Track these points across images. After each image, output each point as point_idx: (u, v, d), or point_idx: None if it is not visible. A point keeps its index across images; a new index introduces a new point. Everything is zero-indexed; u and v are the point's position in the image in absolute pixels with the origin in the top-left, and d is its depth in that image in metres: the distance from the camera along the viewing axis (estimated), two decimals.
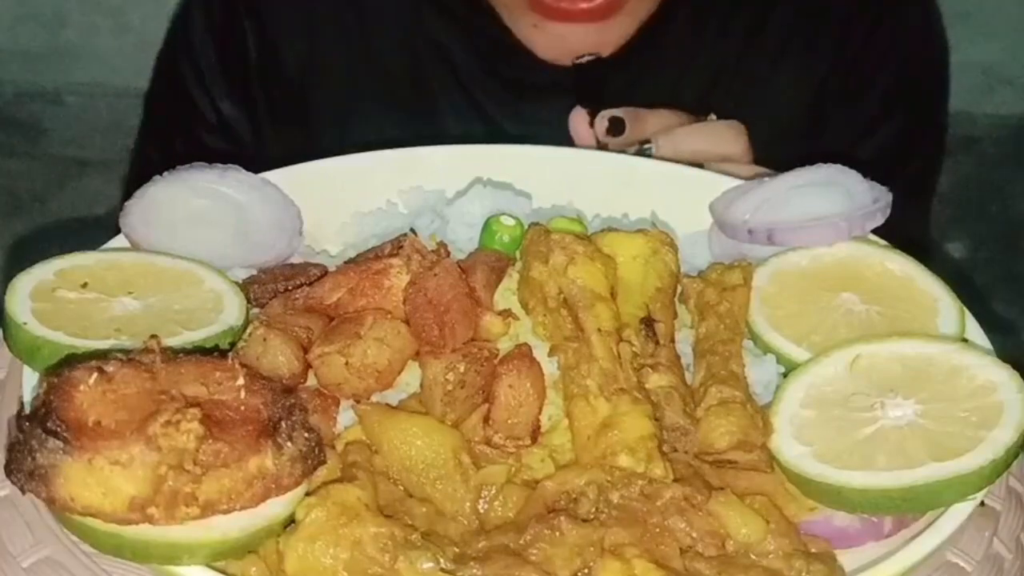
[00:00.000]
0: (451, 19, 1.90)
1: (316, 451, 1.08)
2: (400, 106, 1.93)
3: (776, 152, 1.45)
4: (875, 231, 1.37)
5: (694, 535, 1.09)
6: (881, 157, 1.37)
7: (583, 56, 1.81)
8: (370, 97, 1.93)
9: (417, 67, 1.92)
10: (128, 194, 1.36)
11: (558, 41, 1.75)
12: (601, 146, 1.60)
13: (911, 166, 1.91)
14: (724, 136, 1.58)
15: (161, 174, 1.38)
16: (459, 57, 1.91)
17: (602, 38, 1.76)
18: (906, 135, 1.95)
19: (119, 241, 1.33)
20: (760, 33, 1.92)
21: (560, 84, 1.83)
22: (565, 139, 1.60)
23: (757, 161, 1.58)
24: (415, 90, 1.93)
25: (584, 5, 1.69)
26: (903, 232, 1.39)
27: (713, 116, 1.64)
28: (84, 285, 1.22)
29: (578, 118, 1.62)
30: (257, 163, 1.43)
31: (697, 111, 1.65)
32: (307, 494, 1.07)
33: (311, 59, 1.93)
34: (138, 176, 1.38)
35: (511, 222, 1.35)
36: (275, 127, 1.95)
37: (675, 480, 1.13)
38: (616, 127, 1.58)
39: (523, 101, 1.89)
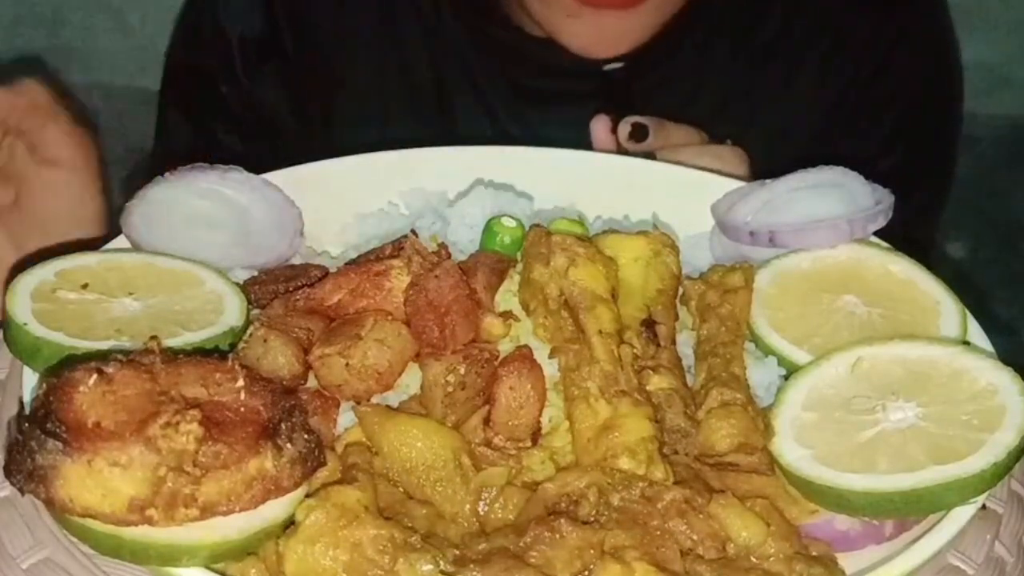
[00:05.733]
0: (467, 26, 1.91)
1: (316, 453, 1.07)
2: (423, 111, 1.94)
3: (778, 173, 1.45)
4: (879, 234, 1.37)
5: (695, 538, 1.09)
6: (889, 183, 1.38)
7: (611, 63, 1.81)
8: (396, 102, 1.95)
9: (440, 74, 1.94)
10: (154, 168, 1.38)
11: (591, 30, 1.75)
12: (620, 152, 1.61)
13: (918, 193, 1.91)
14: (728, 160, 1.59)
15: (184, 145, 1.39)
16: (472, 58, 1.92)
17: (627, 28, 1.76)
18: (914, 162, 1.96)
19: (120, 241, 1.33)
20: (773, 53, 1.92)
21: (576, 93, 1.83)
22: (578, 147, 1.60)
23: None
24: (438, 97, 1.94)
25: None
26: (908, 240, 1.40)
27: (729, 142, 1.65)
28: (85, 286, 1.22)
29: (600, 124, 1.63)
30: (289, 154, 1.45)
31: (708, 128, 1.66)
32: (307, 496, 1.06)
33: (342, 59, 1.94)
34: (163, 148, 1.40)
35: (512, 223, 1.35)
36: (299, 114, 1.96)
37: (676, 482, 1.12)
38: (639, 133, 1.59)
39: (537, 109, 1.90)
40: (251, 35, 1.96)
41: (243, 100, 1.96)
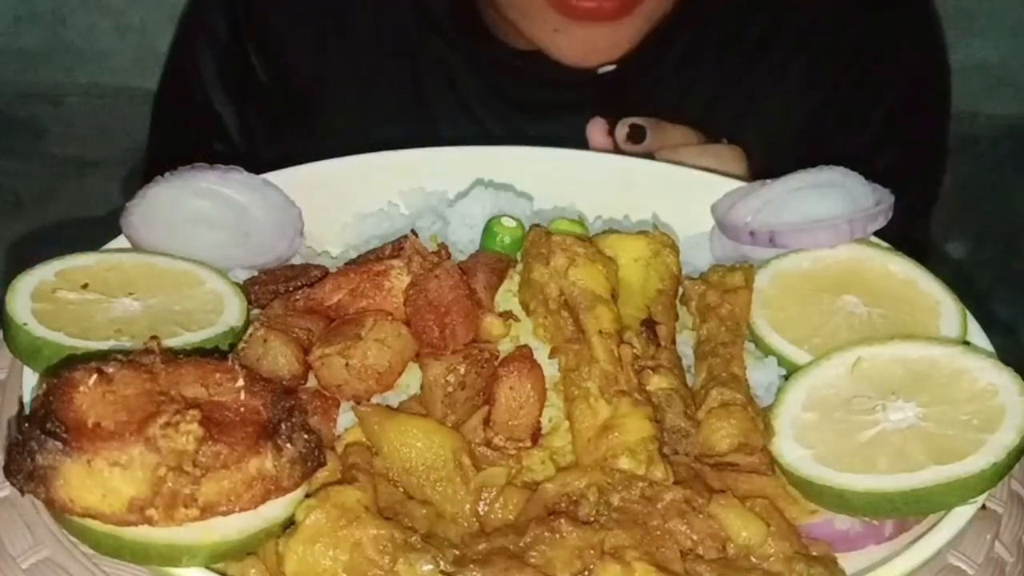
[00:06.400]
0: (451, 40, 1.91)
1: (316, 453, 1.07)
2: (407, 125, 1.94)
3: (773, 171, 1.46)
4: (877, 234, 1.37)
5: (695, 538, 1.09)
6: (881, 182, 1.38)
7: (604, 67, 1.81)
8: (377, 114, 1.94)
9: (420, 85, 1.93)
10: (148, 172, 1.37)
11: (579, 43, 1.74)
12: (618, 153, 1.61)
13: (911, 190, 1.91)
14: (727, 159, 1.59)
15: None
16: (459, 76, 1.92)
17: (618, 38, 1.76)
18: (907, 160, 1.96)
19: (120, 242, 1.33)
20: (763, 54, 1.92)
21: (568, 102, 1.83)
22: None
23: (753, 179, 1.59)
24: (419, 108, 1.94)
25: (608, 4, 1.69)
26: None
27: (725, 141, 1.65)
28: (85, 286, 1.22)
29: (596, 127, 1.63)
30: (261, 167, 1.43)
31: (700, 127, 1.66)
32: (307, 496, 1.06)
33: (318, 75, 1.95)
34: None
35: (512, 223, 1.35)
36: (280, 139, 1.96)
37: (676, 482, 1.12)
38: (637, 134, 1.59)
39: (525, 119, 1.90)
40: (235, 69, 1.96)
41: (226, 128, 1.97)
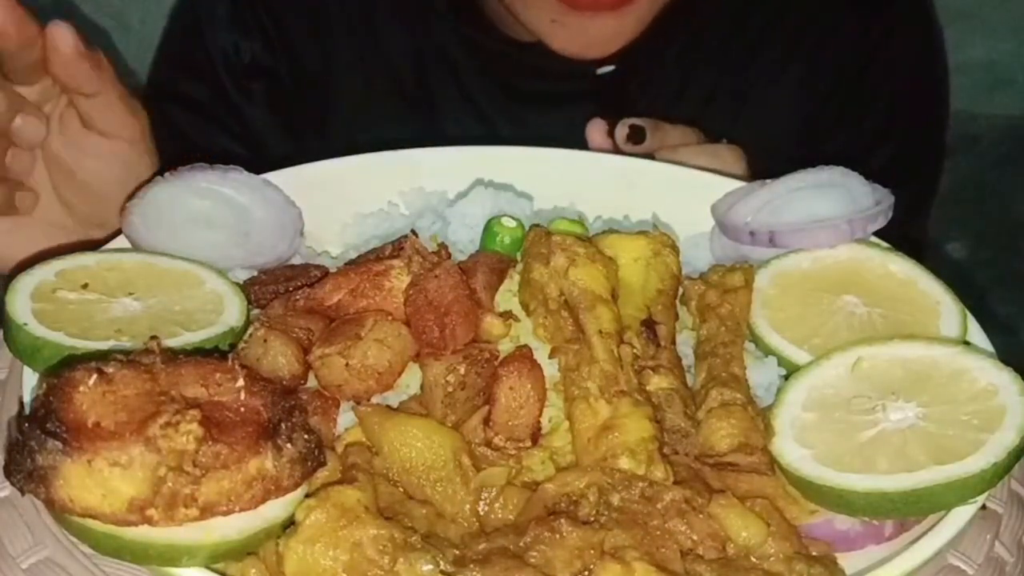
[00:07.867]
0: (453, 30, 1.91)
1: (316, 453, 1.07)
2: (410, 114, 1.94)
3: (771, 170, 1.46)
4: (876, 233, 1.37)
5: (695, 538, 1.09)
6: (879, 179, 1.38)
7: (603, 68, 1.81)
8: (383, 105, 1.94)
9: (425, 76, 1.93)
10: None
11: (577, 34, 1.74)
12: (618, 154, 1.61)
13: (908, 188, 1.92)
14: (726, 159, 1.59)
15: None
16: (462, 66, 1.92)
17: (619, 29, 1.75)
18: (903, 158, 1.96)
19: (120, 241, 1.33)
20: (760, 53, 1.92)
21: (567, 93, 1.83)
22: (573, 147, 1.60)
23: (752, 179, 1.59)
24: (424, 99, 1.94)
25: None
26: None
27: (724, 141, 1.65)
28: (85, 286, 1.22)
29: (596, 127, 1.63)
30: (267, 161, 1.44)
31: (697, 127, 1.66)
32: (307, 496, 1.06)
33: (325, 64, 1.95)
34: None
35: (512, 223, 1.35)
36: (290, 128, 1.97)
37: (676, 482, 1.12)
38: (637, 135, 1.59)
39: (527, 112, 1.90)
40: (242, 58, 1.96)
41: (233, 119, 1.97)
